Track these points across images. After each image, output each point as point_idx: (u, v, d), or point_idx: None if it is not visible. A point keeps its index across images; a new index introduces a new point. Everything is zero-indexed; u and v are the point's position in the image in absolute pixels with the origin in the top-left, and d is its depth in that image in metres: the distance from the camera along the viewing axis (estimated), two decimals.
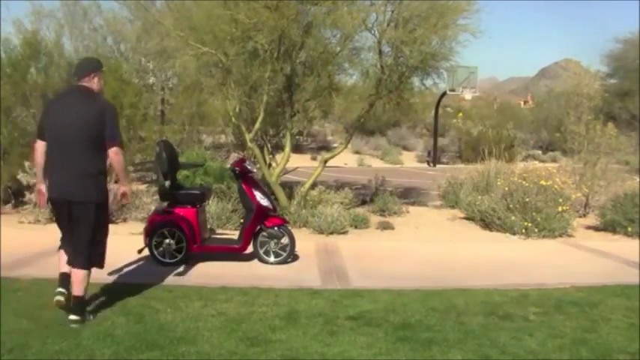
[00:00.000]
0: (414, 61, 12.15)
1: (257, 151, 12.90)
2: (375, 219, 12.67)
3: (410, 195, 16.63)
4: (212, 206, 11.36)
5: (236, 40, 11.68)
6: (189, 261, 8.75)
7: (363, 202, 14.32)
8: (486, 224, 12.33)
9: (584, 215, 13.90)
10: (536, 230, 11.53)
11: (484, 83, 65.76)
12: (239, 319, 6.23)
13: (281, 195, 12.46)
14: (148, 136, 14.96)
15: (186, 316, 6.30)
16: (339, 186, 15.13)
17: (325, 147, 34.63)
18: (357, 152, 35.26)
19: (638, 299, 7.29)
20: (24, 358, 5.08)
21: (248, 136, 12.61)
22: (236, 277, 8.11)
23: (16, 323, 5.87)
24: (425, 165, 33.62)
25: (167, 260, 8.71)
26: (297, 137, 25.60)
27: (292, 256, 9.15)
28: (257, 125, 12.62)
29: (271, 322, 6.17)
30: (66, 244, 6.44)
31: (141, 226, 11.17)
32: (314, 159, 27.77)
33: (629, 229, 11.83)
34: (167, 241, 8.73)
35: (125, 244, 10.13)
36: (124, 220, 11.92)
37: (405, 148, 40.34)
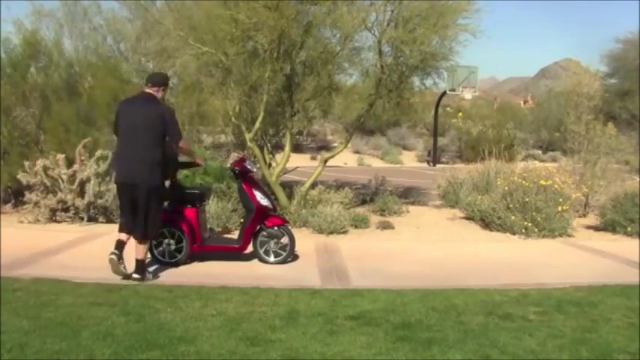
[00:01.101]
0: (413, 60, 12.15)
1: (257, 150, 12.90)
2: (375, 219, 12.67)
3: (410, 195, 16.61)
4: (212, 206, 11.35)
5: (236, 39, 11.68)
6: (189, 261, 8.74)
7: (363, 202, 14.33)
8: (486, 224, 12.34)
9: (584, 215, 13.90)
10: (536, 230, 11.53)
11: (484, 83, 65.90)
12: (239, 319, 6.23)
13: (281, 195, 12.46)
14: None
15: (186, 315, 6.30)
16: (339, 186, 15.11)
17: (325, 146, 34.61)
18: (357, 152, 35.28)
19: (639, 299, 7.29)
20: (24, 358, 5.08)
21: (248, 136, 12.60)
22: (236, 276, 8.11)
23: (15, 323, 5.86)
24: (425, 165, 33.62)
25: (167, 260, 8.69)
26: (297, 137, 25.56)
27: (292, 256, 9.16)
28: (257, 125, 12.62)
29: (271, 322, 6.17)
30: (126, 220, 7.89)
31: None
32: (314, 159, 27.76)
33: (629, 228, 11.83)
34: (167, 240, 8.70)
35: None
36: None
37: (405, 148, 40.34)
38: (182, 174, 13.84)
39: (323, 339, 5.72)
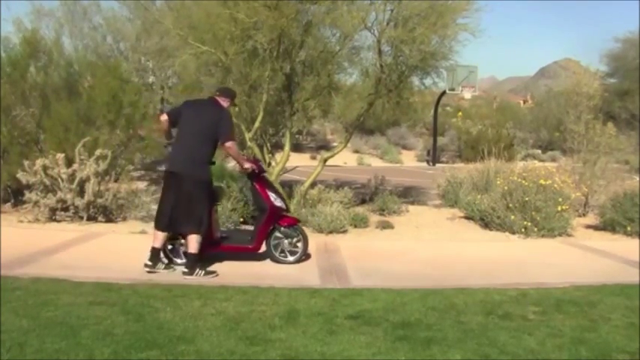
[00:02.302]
0: (413, 60, 12.15)
1: (256, 150, 12.91)
2: (374, 218, 12.68)
3: (409, 194, 16.62)
4: None
5: (236, 39, 11.70)
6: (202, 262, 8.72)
7: (363, 201, 14.33)
8: (486, 223, 12.34)
9: (584, 214, 13.91)
10: (535, 229, 11.53)
11: (484, 82, 65.86)
12: (238, 318, 6.22)
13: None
14: (148, 135, 14.96)
15: (185, 314, 6.29)
16: (339, 185, 15.13)
17: (325, 146, 34.63)
18: (356, 151, 35.27)
19: (639, 298, 7.29)
20: (23, 357, 5.07)
21: (247, 135, 12.61)
22: (235, 275, 8.11)
23: (15, 322, 5.86)
24: (424, 164, 33.61)
25: (179, 261, 8.62)
26: (297, 136, 25.62)
27: (305, 255, 9.17)
28: (256, 124, 12.63)
29: (271, 321, 6.16)
30: (163, 214, 8.25)
31: (141, 226, 11.21)
32: (313, 158, 27.76)
33: (629, 228, 11.83)
34: (180, 241, 8.64)
35: (125, 243, 10.18)
36: (124, 219, 11.91)
37: (405, 147, 40.36)
38: None
39: (322, 338, 5.71)
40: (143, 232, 10.78)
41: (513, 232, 11.68)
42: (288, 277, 8.13)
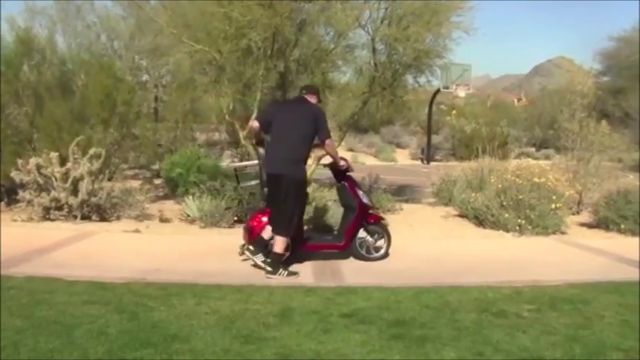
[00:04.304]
0: (407, 58, 12.19)
1: (251, 148, 12.89)
2: None
3: (404, 192, 16.64)
4: (206, 204, 11.35)
5: (230, 37, 11.68)
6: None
7: None
8: (480, 221, 12.34)
9: (578, 212, 13.94)
10: (529, 227, 11.54)
11: (478, 81, 66.01)
12: (233, 317, 6.22)
13: None
14: (142, 133, 14.95)
15: (179, 313, 6.28)
16: (333, 183, 15.12)
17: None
18: (350, 150, 35.27)
19: (638, 296, 7.30)
20: (17, 357, 5.06)
21: (242, 134, 12.60)
22: (230, 274, 8.09)
23: (9, 321, 5.84)
24: (419, 162, 33.69)
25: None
26: None
27: (388, 251, 9.34)
28: (251, 123, 12.60)
29: (265, 320, 6.16)
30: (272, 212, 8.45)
31: (134, 225, 11.20)
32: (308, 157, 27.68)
33: (622, 226, 11.85)
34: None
35: (119, 242, 10.16)
36: (118, 217, 11.89)
37: (399, 146, 40.44)
38: (176, 171, 13.87)
39: (317, 337, 5.71)
40: (137, 231, 10.77)
41: (507, 230, 11.69)
42: (282, 276, 8.13)
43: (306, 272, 8.46)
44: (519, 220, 11.58)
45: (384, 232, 9.35)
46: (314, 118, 8.35)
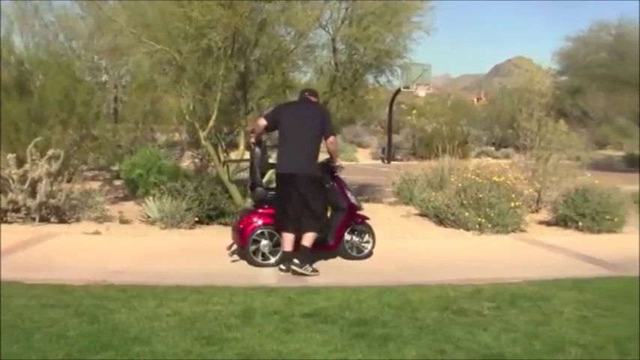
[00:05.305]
0: (368, 58, 12.24)
1: (211, 149, 12.84)
2: None
3: (364, 192, 16.68)
4: (166, 205, 11.27)
5: (190, 37, 11.61)
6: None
7: None
8: (440, 220, 12.42)
9: (537, 210, 14.08)
10: (489, 226, 11.64)
11: (438, 80, 66.37)
12: (194, 318, 6.19)
13: (235, 193, 12.38)
14: (101, 134, 14.81)
15: (140, 315, 6.23)
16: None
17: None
18: None
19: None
20: None
21: (202, 134, 12.53)
22: (191, 275, 8.05)
23: None
24: (379, 162, 33.75)
25: (263, 262, 8.76)
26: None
27: (372, 250, 9.49)
28: (211, 123, 12.53)
29: (227, 321, 6.14)
30: (281, 215, 8.59)
31: (94, 226, 11.09)
32: (269, 157, 27.63)
33: (580, 223, 12.02)
34: (264, 242, 8.77)
35: (78, 243, 10.05)
36: (77, 219, 11.74)
37: (360, 145, 40.53)
38: (136, 173, 13.75)
39: (279, 337, 5.71)
40: (97, 232, 10.67)
41: (467, 229, 11.78)
42: (243, 276, 8.12)
43: (268, 272, 8.47)
44: (479, 219, 11.68)
45: (370, 232, 9.50)
46: (321, 117, 8.69)
